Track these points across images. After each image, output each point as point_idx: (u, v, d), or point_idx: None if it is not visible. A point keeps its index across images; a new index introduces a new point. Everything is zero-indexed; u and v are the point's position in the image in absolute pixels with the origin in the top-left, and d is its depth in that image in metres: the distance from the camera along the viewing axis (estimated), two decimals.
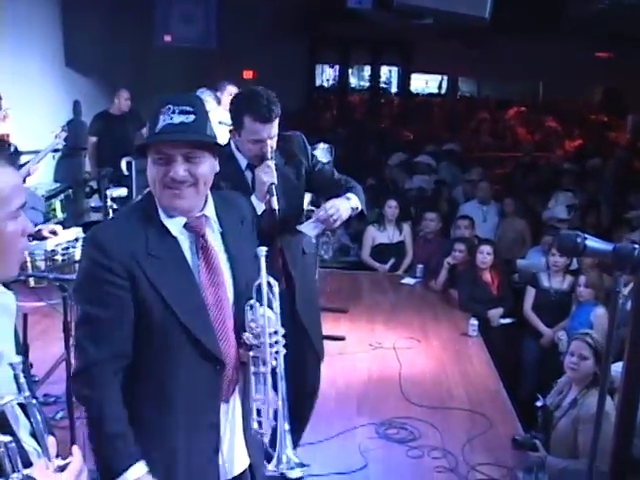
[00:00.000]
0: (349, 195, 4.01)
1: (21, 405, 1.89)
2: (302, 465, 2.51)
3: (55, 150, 8.56)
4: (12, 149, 6.13)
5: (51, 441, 1.87)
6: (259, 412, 2.58)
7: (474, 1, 6.49)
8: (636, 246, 2.22)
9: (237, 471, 2.70)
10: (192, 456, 2.58)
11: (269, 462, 2.51)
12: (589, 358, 4.89)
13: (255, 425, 2.58)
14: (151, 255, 2.49)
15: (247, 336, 2.56)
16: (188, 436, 2.57)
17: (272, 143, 3.89)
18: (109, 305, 2.46)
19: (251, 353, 2.58)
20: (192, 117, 2.52)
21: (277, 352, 2.58)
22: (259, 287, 2.57)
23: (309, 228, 4.01)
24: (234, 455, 2.69)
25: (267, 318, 2.55)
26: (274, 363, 2.56)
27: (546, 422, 5.00)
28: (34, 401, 1.86)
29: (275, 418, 2.56)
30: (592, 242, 2.29)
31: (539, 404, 5.04)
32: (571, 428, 4.79)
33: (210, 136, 2.57)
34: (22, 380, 1.84)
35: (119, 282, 2.45)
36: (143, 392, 2.54)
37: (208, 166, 2.56)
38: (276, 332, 2.58)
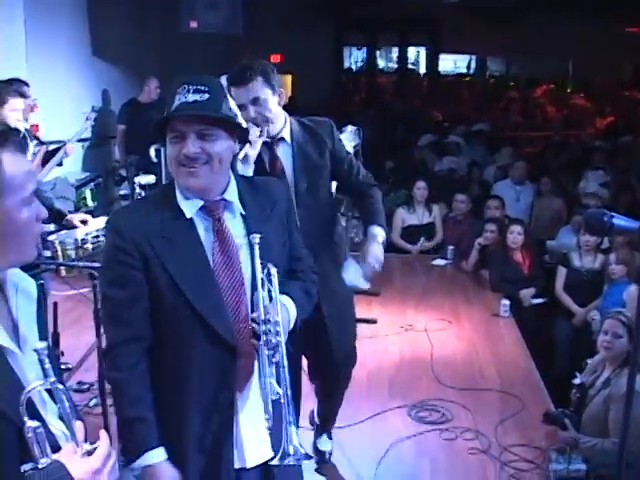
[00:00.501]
0: (375, 231, 4.07)
1: (48, 391, 1.91)
2: (308, 457, 2.48)
3: (83, 140, 8.61)
4: (21, 135, 6.12)
5: (78, 426, 1.88)
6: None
7: None
8: None
9: (254, 462, 2.67)
10: (205, 442, 2.57)
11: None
12: (623, 336, 4.85)
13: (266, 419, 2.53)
14: (164, 237, 2.49)
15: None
16: (201, 422, 2.56)
17: (259, 111, 3.76)
18: (125, 286, 2.48)
19: (253, 341, 2.55)
20: (206, 95, 2.52)
21: (276, 344, 2.50)
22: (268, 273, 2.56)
23: (360, 282, 4.08)
24: (252, 446, 2.66)
25: (263, 306, 2.52)
26: (267, 352, 2.49)
27: (580, 401, 4.97)
28: (60, 386, 1.87)
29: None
30: (619, 220, 2.27)
31: (577, 382, 5.01)
32: (603, 407, 4.75)
33: (224, 114, 2.55)
34: (47, 366, 1.85)
35: (133, 263, 2.47)
36: (158, 376, 2.54)
37: (224, 144, 2.54)
38: (272, 321, 2.51)
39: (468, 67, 23.01)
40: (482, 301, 7.63)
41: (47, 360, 1.86)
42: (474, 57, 22.52)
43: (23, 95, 5.99)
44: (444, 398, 5.56)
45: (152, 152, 8.21)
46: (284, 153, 3.92)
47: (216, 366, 2.54)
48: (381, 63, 22.05)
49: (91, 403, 5.09)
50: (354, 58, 21.67)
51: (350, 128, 7.07)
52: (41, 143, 6.84)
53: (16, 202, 1.87)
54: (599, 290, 7.11)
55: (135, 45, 11.08)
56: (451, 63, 22.73)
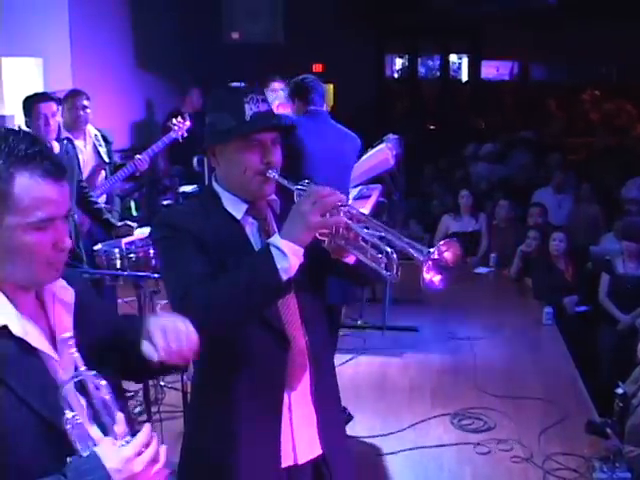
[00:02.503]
0: None
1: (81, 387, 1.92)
2: None
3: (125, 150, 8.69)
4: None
5: (119, 417, 1.90)
6: None
7: None
8: None
9: (303, 459, 2.71)
10: (253, 438, 2.61)
11: None
12: None
13: None
14: (217, 236, 2.54)
15: None
16: (250, 417, 2.60)
17: None
18: (189, 251, 2.53)
19: None
20: (269, 106, 2.67)
21: None
22: None
23: None
24: (301, 443, 2.70)
25: None
26: None
27: (622, 410, 4.94)
28: (92, 373, 1.88)
29: None
30: None
31: (620, 391, 4.97)
32: None
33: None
34: (75, 354, 1.89)
35: (193, 241, 2.52)
36: (210, 365, 2.62)
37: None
38: None
39: (511, 74, 22.87)
40: (525, 309, 7.61)
41: (75, 349, 1.89)
42: (517, 63, 22.38)
43: (51, 99, 6.01)
44: (486, 406, 5.55)
45: (195, 162, 8.29)
46: None
47: (269, 360, 2.60)
48: (422, 71, 22.00)
49: (135, 410, 5.14)
50: (396, 66, 21.65)
51: (392, 136, 7.10)
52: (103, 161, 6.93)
53: (20, 224, 1.87)
54: None
55: (178, 56, 11.19)
56: (493, 70, 22.61)
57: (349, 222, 2.46)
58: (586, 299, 7.56)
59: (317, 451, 2.74)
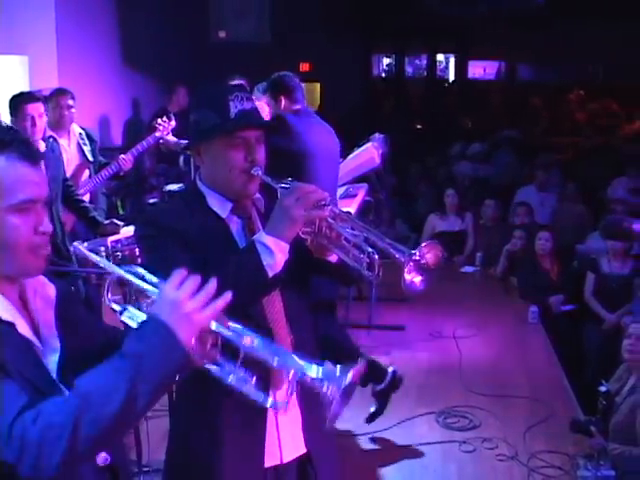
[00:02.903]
0: None
1: None
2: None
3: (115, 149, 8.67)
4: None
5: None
6: None
7: None
8: None
9: (289, 458, 2.72)
10: (238, 437, 2.62)
11: None
12: None
13: None
14: (202, 235, 2.55)
15: None
16: (234, 416, 2.60)
17: None
18: (173, 249, 2.53)
19: None
20: (253, 104, 2.68)
21: None
22: None
23: None
24: (286, 442, 2.71)
25: None
26: None
27: (606, 408, 4.96)
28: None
29: None
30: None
31: (603, 389, 4.99)
32: (630, 415, 4.75)
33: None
34: None
35: (177, 239, 2.52)
36: None
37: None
38: None
39: (497, 73, 22.93)
40: (511, 308, 7.64)
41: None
42: (503, 63, 22.44)
43: (38, 99, 6.02)
44: (472, 405, 5.57)
45: (181, 161, 8.28)
46: None
47: None
48: (409, 70, 22.04)
49: None
50: (382, 66, 21.69)
51: (378, 135, 7.12)
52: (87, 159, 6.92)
53: (1, 207, 1.91)
54: (629, 295, 7.08)
55: (165, 55, 11.18)
56: (481, 70, 22.67)
57: (331, 221, 2.48)
58: (572, 298, 7.59)
59: (302, 450, 2.75)
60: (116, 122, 10.35)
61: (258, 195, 2.72)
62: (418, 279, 2.43)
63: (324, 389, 1.91)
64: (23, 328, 1.95)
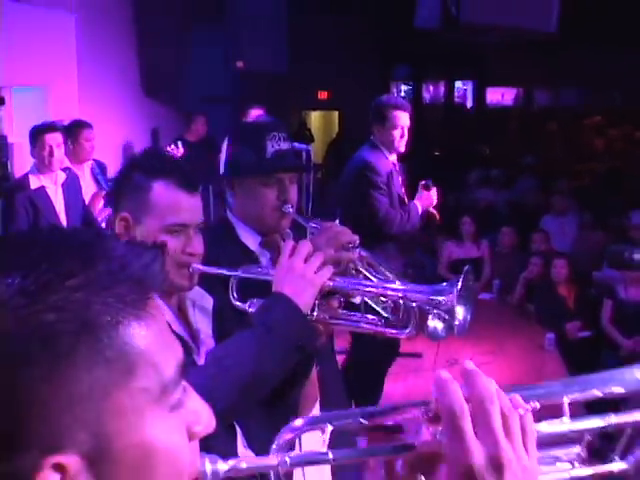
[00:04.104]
0: None
1: None
2: None
3: None
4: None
5: None
6: None
7: (540, 15, 6.51)
8: None
9: None
10: None
11: None
12: None
13: None
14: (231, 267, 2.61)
15: None
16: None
17: None
18: None
19: None
20: (290, 144, 2.82)
21: None
22: None
23: None
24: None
25: None
26: None
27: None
28: None
29: None
30: None
31: None
32: None
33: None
34: None
35: None
36: None
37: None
38: None
39: (515, 100, 22.99)
40: (527, 335, 7.64)
41: None
42: (521, 90, 22.49)
43: (57, 130, 6.16)
44: None
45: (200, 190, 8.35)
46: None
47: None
48: (427, 97, 22.12)
49: None
50: (401, 93, 21.77)
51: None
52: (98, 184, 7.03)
53: (155, 226, 2.17)
54: None
55: (184, 85, 11.29)
56: (499, 96, 22.72)
57: (359, 263, 2.52)
58: (589, 325, 7.59)
59: None
60: (135, 152, 10.50)
61: (287, 230, 2.80)
62: (440, 326, 2.41)
63: (442, 300, 2.10)
64: (178, 329, 2.17)
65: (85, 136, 6.99)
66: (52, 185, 6.10)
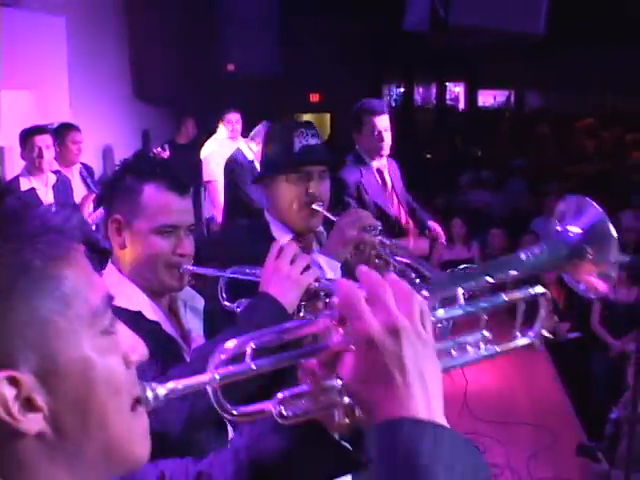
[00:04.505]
0: None
1: None
2: None
3: None
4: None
5: None
6: None
7: (528, 18, 6.54)
8: None
9: None
10: None
11: None
12: None
13: None
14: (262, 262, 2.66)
15: None
16: None
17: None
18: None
19: None
20: (319, 140, 2.87)
21: None
22: None
23: None
24: None
25: None
26: None
27: (614, 435, 4.99)
28: None
29: None
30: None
31: (613, 416, 5.03)
32: (637, 442, 4.76)
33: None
34: None
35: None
36: None
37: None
38: None
39: (507, 102, 23.04)
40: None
41: None
42: (513, 92, 22.54)
43: (46, 132, 6.20)
44: (477, 432, 5.60)
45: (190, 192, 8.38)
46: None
47: None
48: (419, 99, 22.16)
49: None
50: (393, 95, 21.80)
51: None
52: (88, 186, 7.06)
53: (146, 228, 2.25)
54: (636, 322, 7.10)
55: (174, 87, 11.30)
56: (490, 98, 22.78)
57: (380, 249, 2.60)
58: (578, 326, 7.63)
59: None
60: (126, 154, 10.49)
61: (321, 229, 2.83)
62: None
63: None
64: (169, 329, 2.26)
65: (72, 138, 7.01)
66: (42, 187, 6.13)
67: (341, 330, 1.18)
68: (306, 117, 19.00)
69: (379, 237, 2.66)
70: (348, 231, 2.63)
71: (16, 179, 6.18)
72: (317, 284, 2.21)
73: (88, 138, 8.15)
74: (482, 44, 12.32)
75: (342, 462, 1.36)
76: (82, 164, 7.26)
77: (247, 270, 2.37)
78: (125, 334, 1.13)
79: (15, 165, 6.94)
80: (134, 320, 2.13)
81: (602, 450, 4.94)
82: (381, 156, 5.77)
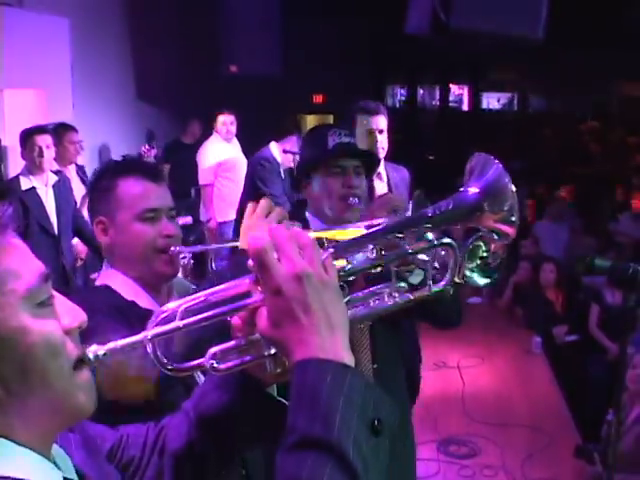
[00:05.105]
0: None
1: None
2: None
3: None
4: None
5: None
6: None
7: (528, 22, 6.55)
8: None
9: None
10: None
11: None
12: None
13: None
14: None
15: None
16: None
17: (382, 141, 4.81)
18: None
19: None
20: (352, 139, 3.02)
21: None
22: None
23: None
24: None
25: None
26: None
27: (610, 437, 5.00)
28: None
29: None
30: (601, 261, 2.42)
31: (609, 417, 5.04)
32: (635, 444, 4.79)
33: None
34: None
35: None
36: None
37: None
38: None
39: (511, 104, 23.03)
40: (515, 338, 7.70)
41: None
42: (516, 94, 22.53)
43: (46, 132, 6.26)
44: (474, 433, 5.64)
45: (193, 192, 8.43)
46: (377, 186, 4.57)
47: None
48: (422, 101, 22.15)
49: None
50: (397, 97, 21.80)
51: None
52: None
53: (127, 217, 2.30)
54: (634, 326, 7.12)
55: (177, 88, 11.34)
56: (494, 100, 22.77)
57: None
58: (576, 329, 7.65)
59: None
60: (130, 154, 10.56)
61: None
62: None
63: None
64: (147, 303, 2.30)
65: (69, 139, 7.08)
66: (43, 186, 6.17)
67: (259, 288, 1.30)
68: (310, 118, 19.06)
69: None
70: (378, 212, 2.70)
71: (16, 178, 6.22)
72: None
73: (91, 138, 8.22)
74: (485, 48, 12.36)
75: (277, 415, 1.42)
76: (75, 164, 7.32)
77: (231, 241, 2.44)
78: (63, 305, 1.26)
79: (18, 164, 6.98)
80: (127, 307, 2.24)
81: (599, 452, 4.95)
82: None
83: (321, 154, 2.96)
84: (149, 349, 1.34)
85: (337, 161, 2.92)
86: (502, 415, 5.97)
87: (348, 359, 1.23)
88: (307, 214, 3.04)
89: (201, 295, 1.38)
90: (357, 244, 1.43)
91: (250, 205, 2.24)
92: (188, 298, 1.38)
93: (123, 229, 2.30)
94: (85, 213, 6.74)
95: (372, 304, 1.46)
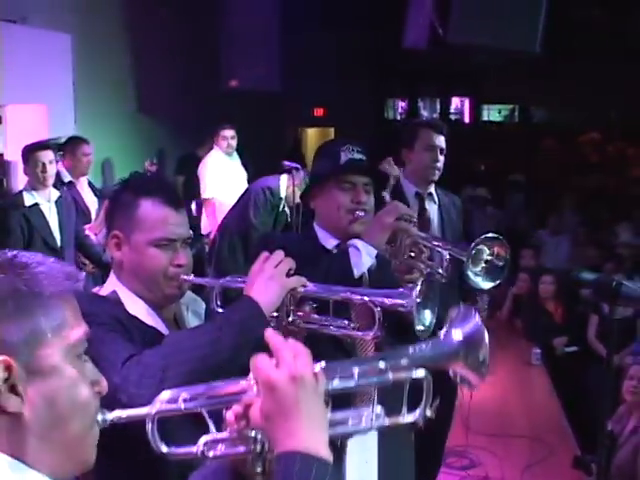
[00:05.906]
0: None
1: None
2: None
3: None
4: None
5: None
6: None
7: (524, 36, 6.62)
8: None
9: None
10: None
11: None
12: None
13: None
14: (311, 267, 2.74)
15: None
16: None
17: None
18: None
19: None
20: (364, 156, 3.06)
21: None
22: None
23: None
24: None
25: None
26: None
27: (608, 449, 5.02)
28: None
29: None
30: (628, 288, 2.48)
31: (608, 428, 5.05)
32: (632, 455, 4.80)
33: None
34: None
35: None
36: None
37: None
38: None
39: (511, 116, 23.03)
40: (515, 350, 7.72)
41: None
42: (517, 106, 22.53)
43: (48, 147, 6.33)
44: (473, 444, 5.65)
45: (193, 206, 8.46)
46: (430, 208, 4.73)
47: None
48: (424, 114, 22.16)
49: None
50: (398, 109, 21.83)
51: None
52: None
53: (142, 241, 2.33)
54: (632, 337, 7.16)
55: (178, 103, 11.39)
56: (495, 112, 22.77)
57: (415, 234, 2.93)
58: (575, 340, 7.68)
59: None
60: (131, 168, 10.59)
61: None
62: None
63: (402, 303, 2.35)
64: (151, 320, 2.35)
65: (83, 151, 7.18)
66: (46, 202, 6.21)
67: (255, 388, 1.47)
68: (311, 131, 19.12)
69: (416, 229, 2.96)
70: (386, 219, 2.86)
71: (20, 194, 6.26)
72: (303, 290, 2.34)
73: (93, 152, 8.25)
74: (478, 61, 12.41)
75: None
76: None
77: (239, 279, 2.46)
78: (92, 368, 1.47)
79: (20, 179, 7.03)
80: (130, 320, 2.29)
81: (597, 463, 4.96)
82: (428, 182, 5.03)
83: (333, 168, 3.02)
84: (148, 428, 1.50)
85: (347, 177, 2.98)
86: (501, 426, 6.00)
87: (328, 456, 1.39)
88: (315, 225, 3.10)
89: (201, 387, 1.55)
90: (344, 366, 1.54)
91: (264, 253, 2.32)
92: (191, 388, 1.56)
93: (137, 250, 2.33)
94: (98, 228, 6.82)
95: (350, 423, 1.58)
